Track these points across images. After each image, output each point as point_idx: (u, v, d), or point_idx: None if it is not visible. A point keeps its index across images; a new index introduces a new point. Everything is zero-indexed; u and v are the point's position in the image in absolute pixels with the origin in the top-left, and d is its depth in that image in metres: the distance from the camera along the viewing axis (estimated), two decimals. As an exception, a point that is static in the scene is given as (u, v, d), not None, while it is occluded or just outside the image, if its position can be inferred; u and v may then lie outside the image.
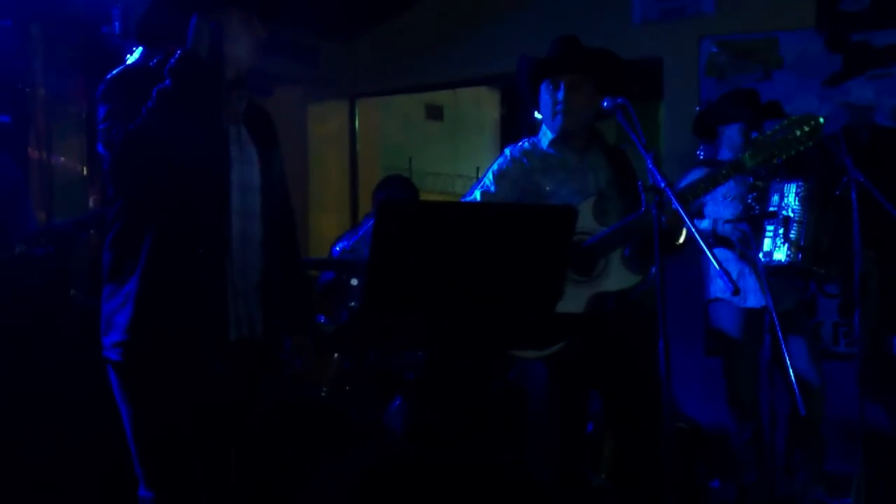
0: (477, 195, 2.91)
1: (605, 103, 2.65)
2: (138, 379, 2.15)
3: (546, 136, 2.94)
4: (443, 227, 1.89)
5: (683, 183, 3.52)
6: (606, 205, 2.82)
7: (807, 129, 2.60)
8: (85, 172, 4.20)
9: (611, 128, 3.63)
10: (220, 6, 2.20)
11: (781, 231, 3.30)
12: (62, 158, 4.12)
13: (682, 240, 2.66)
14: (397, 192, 4.49)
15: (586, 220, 2.76)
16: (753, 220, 3.33)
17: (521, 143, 3.00)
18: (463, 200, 2.99)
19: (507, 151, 2.99)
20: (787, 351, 2.85)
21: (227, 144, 2.22)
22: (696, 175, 3.59)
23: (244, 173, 2.24)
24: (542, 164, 2.91)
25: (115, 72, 2.21)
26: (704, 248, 2.14)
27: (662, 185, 2.28)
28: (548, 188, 2.87)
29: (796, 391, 2.75)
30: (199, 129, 2.13)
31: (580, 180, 2.87)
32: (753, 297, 3.43)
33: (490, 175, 2.94)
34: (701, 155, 3.93)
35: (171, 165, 2.08)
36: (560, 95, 2.81)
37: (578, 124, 2.84)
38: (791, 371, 2.78)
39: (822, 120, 2.63)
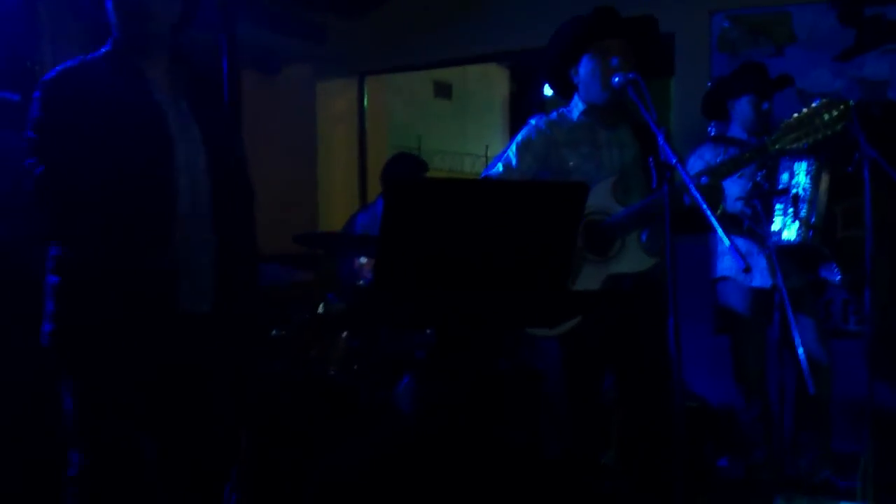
0: (500, 167, 2.87)
1: (616, 78, 2.63)
2: (75, 361, 2.17)
3: (577, 108, 2.89)
4: (452, 205, 1.88)
5: (692, 159, 3.50)
6: (630, 182, 2.79)
7: (835, 113, 2.55)
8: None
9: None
10: None
11: (791, 210, 3.27)
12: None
13: (717, 213, 2.62)
14: (407, 169, 4.48)
15: (605, 200, 2.73)
16: (764, 198, 3.30)
17: (549, 115, 2.94)
18: (485, 172, 2.96)
19: (534, 122, 2.92)
20: (795, 330, 2.83)
21: (166, 125, 2.20)
22: (705, 151, 3.57)
23: (189, 152, 2.23)
24: (569, 136, 2.85)
25: (52, 74, 2.19)
26: (716, 225, 2.13)
27: (673, 161, 2.26)
28: (571, 163, 2.83)
29: (805, 370, 2.74)
30: (132, 117, 2.14)
31: (605, 156, 2.83)
32: (760, 277, 3.41)
33: (514, 146, 2.88)
34: (712, 131, 3.89)
35: (102, 175, 2.10)
36: (615, 62, 2.71)
37: (622, 95, 2.75)
38: (800, 349, 2.77)
39: (851, 104, 2.58)
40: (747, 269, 2.12)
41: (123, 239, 2.12)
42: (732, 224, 3.44)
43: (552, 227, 1.94)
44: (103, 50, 2.24)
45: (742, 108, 3.56)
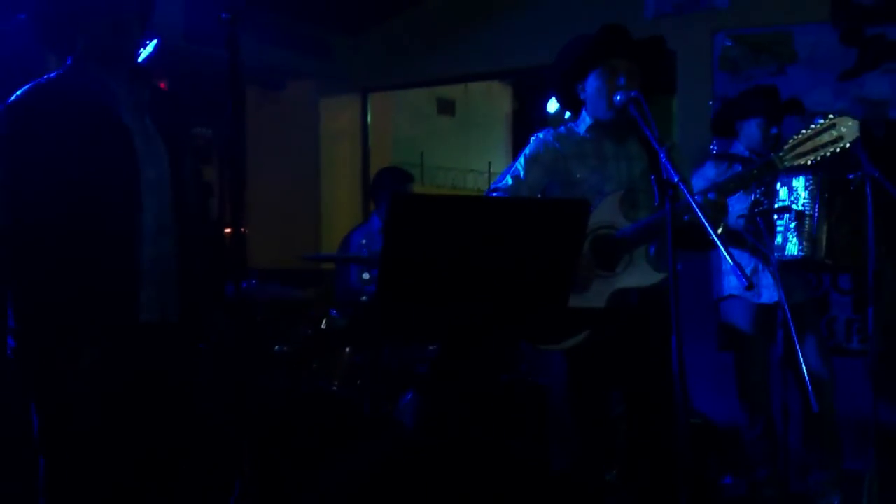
0: (508, 180, 2.88)
1: (619, 96, 2.65)
2: (37, 376, 2.19)
3: (585, 122, 2.91)
4: (455, 220, 1.89)
5: (695, 177, 3.51)
6: (638, 197, 2.80)
7: (843, 129, 2.56)
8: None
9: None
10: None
11: (793, 225, 3.28)
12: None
13: (719, 231, 2.63)
14: (393, 182, 4.50)
15: (612, 214, 2.74)
16: (766, 215, 3.31)
17: (557, 128, 2.96)
18: (494, 185, 2.98)
19: (542, 135, 2.94)
20: (799, 348, 2.83)
21: (132, 143, 2.25)
22: (708, 169, 3.58)
23: (155, 168, 2.27)
24: (577, 150, 2.87)
25: (11, 101, 2.20)
26: (719, 243, 2.13)
27: (676, 179, 2.27)
28: (578, 175, 2.84)
29: (809, 387, 2.74)
30: (99, 135, 2.18)
31: (613, 169, 2.84)
32: (767, 293, 3.42)
33: (522, 159, 2.90)
34: (714, 149, 3.91)
35: (68, 193, 2.12)
36: (622, 81, 2.74)
37: (627, 113, 2.77)
38: (804, 368, 2.77)
39: (857, 122, 2.59)
40: (749, 287, 2.12)
41: (87, 255, 2.15)
42: (736, 241, 3.45)
43: (554, 243, 1.95)
44: (65, 67, 2.27)
45: (750, 130, 3.57)
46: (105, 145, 2.20)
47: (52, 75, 2.25)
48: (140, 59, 3.42)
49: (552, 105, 6.43)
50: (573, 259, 2.06)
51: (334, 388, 3.86)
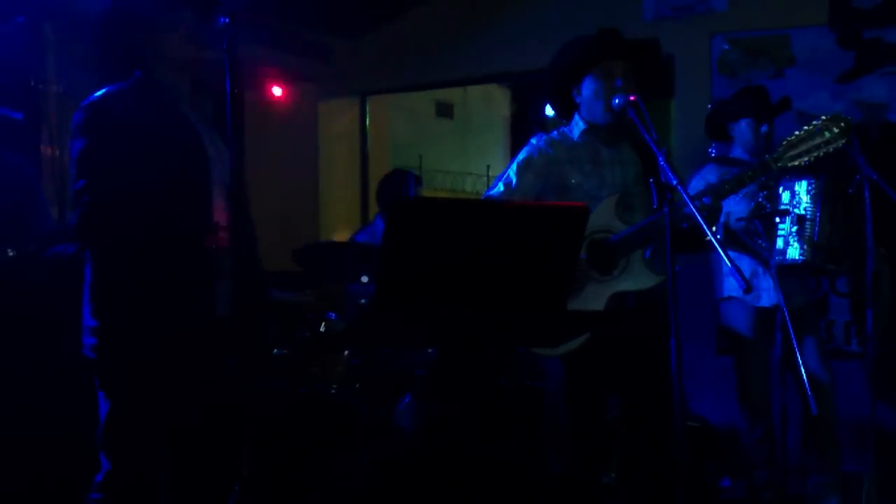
0: (500, 187, 2.88)
1: (617, 100, 2.65)
2: (120, 373, 2.25)
3: (578, 127, 2.90)
4: (454, 224, 1.89)
5: (695, 180, 3.52)
6: (633, 201, 2.80)
7: (836, 130, 2.56)
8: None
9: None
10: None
11: (794, 229, 3.28)
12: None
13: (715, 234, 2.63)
14: (402, 185, 4.51)
15: (608, 218, 2.74)
16: (766, 218, 3.31)
17: (550, 133, 2.96)
18: (487, 192, 2.98)
19: (535, 141, 2.94)
20: (798, 351, 2.83)
21: (203, 143, 2.36)
22: (708, 173, 3.58)
23: (220, 170, 2.39)
24: (570, 154, 2.87)
25: (92, 99, 2.29)
26: (717, 246, 2.14)
27: (674, 182, 2.27)
28: (573, 180, 2.84)
29: (808, 391, 2.74)
30: (173, 135, 2.29)
31: (607, 174, 2.84)
32: (766, 297, 3.42)
33: (514, 166, 2.90)
34: (713, 152, 3.92)
35: (145, 189, 2.20)
36: (618, 83, 2.75)
37: (624, 116, 2.77)
38: (803, 370, 2.77)
39: (851, 121, 2.60)
40: (748, 290, 2.13)
41: (166, 251, 2.22)
42: (736, 243, 3.45)
43: (552, 248, 1.95)
44: (134, 78, 2.36)
45: (741, 131, 3.58)
46: (180, 145, 2.30)
47: (123, 84, 2.34)
48: (104, 93, 3.39)
49: (550, 108, 6.43)
50: (571, 264, 2.06)
51: (332, 391, 3.86)
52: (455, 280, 1.91)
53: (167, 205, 2.23)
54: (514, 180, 2.86)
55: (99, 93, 2.31)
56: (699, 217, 2.22)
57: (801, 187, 3.31)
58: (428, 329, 2.06)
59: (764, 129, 3.52)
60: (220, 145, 2.44)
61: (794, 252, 3.29)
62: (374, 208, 6.02)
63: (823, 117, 2.62)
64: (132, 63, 2.37)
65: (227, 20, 2.17)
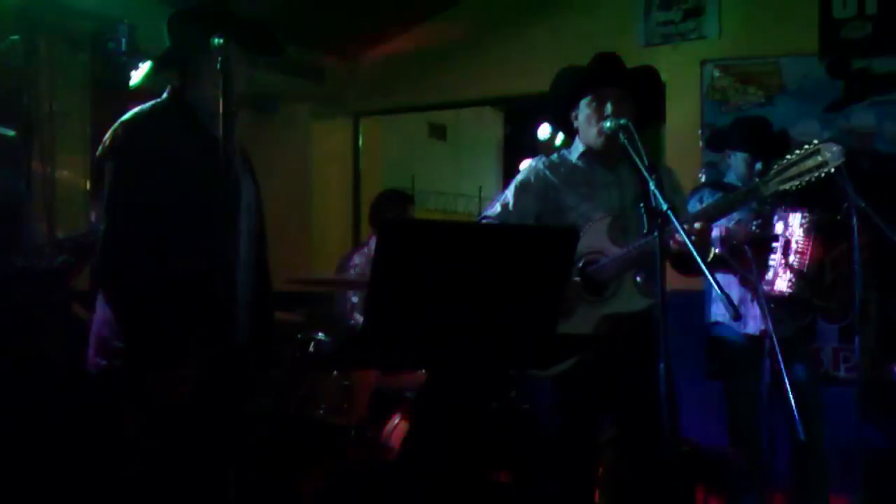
0: (498, 208, 2.90)
1: (608, 123, 2.67)
2: (146, 396, 2.24)
3: (577, 150, 2.93)
4: (445, 246, 1.89)
5: (690, 203, 3.53)
6: (629, 223, 2.80)
7: (827, 155, 2.57)
8: (87, 187, 4.22)
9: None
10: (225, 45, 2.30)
11: (784, 260, 3.28)
12: (66, 172, 4.14)
13: (708, 258, 2.63)
14: (393, 205, 4.51)
15: (601, 240, 2.75)
16: (757, 243, 3.32)
17: (550, 156, 2.98)
18: (484, 212, 2.99)
19: (533, 163, 2.96)
20: (786, 377, 2.84)
21: (235, 171, 2.35)
22: (702, 196, 3.59)
23: (247, 196, 2.42)
24: (567, 177, 2.89)
25: (127, 119, 2.30)
26: (707, 273, 2.14)
27: (665, 208, 2.28)
28: (569, 203, 2.85)
29: (796, 416, 2.74)
30: (204, 159, 2.26)
31: (604, 196, 2.85)
32: (754, 324, 3.42)
33: (513, 187, 2.92)
34: (703, 177, 3.94)
35: (173, 212, 2.21)
36: (609, 110, 2.77)
37: (616, 140, 2.78)
38: (791, 397, 2.77)
39: (841, 148, 2.60)
40: (736, 317, 2.13)
41: (192, 276, 2.22)
42: (725, 266, 3.46)
43: (542, 271, 1.96)
44: (164, 97, 2.38)
45: (737, 162, 3.60)
46: (211, 170, 2.24)
47: (156, 102, 2.35)
48: (137, 82, 3.52)
49: (543, 131, 6.47)
50: (562, 286, 2.06)
51: (321, 411, 3.85)
52: (446, 302, 1.91)
53: (193, 236, 2.22)
54: (512, 201, 2.89)
55: (132, 112, 2.31)
56: (689, 242, 2.22)
57: (795, 219, 3.32)
58: (418, 351, 2.05)
59: (758, 166, 3.51)
60: (246, 169, 2.45)
61: (782, 284, 3.29)
62: (366, 227, 6.02)
63: (815, 142, 2.63)
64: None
65: (220, 40, 2.18)
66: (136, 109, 2.32)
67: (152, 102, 2.35)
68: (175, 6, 2.44)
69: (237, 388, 2.35)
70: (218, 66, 2.13)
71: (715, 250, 3.37)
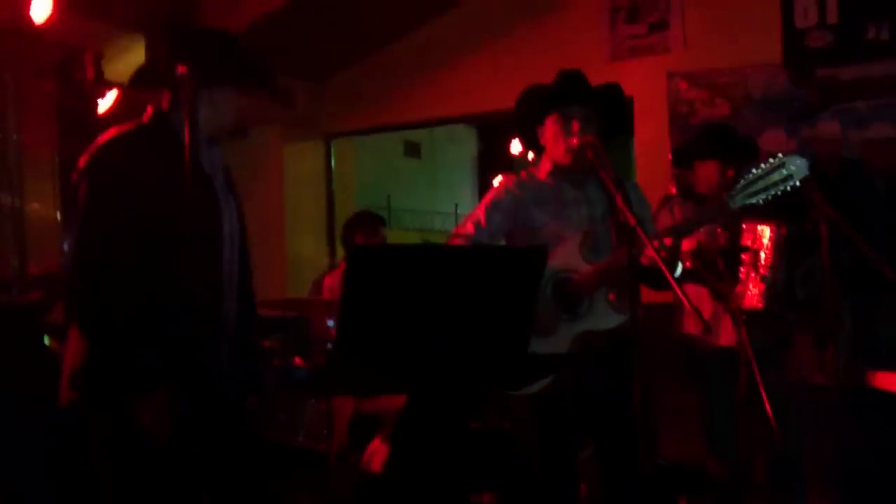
0: (469, 228, 2.90)
1: (574, 141, 2.69)
2: (121, 424, 2.18)
3: (545, 167, 2.94)
4: (413, 270, 1.89)
5: (662, 216, 3.54)
6: (599, 239, 2.81)
7: (792, 168, 2.59)
8: (58, 218, 4.17)
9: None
10: (218, 81, 2.30)
11: (754, 274, 3.29)
12: (35, 204, 4.10)
13: (677, 273, 2.64)
14: (363, 226, 4.50)
15: (571, 257, 2.75)
16: (726, 256, 3.34)
17: (519, 174, 2.98)
18: (456, 232, 2.98)
19: (504, 181, 2.97)
20: (763, 387, 2.84)
21: (217, 197, 2.33)
22: (674, 207, 3.61)
23: (230, 222, 2.37)
24: (536, 195, 2.89)
25: (103, 141, 2.23)
26: (677, 289, 2.15)
27: (633, 223, 2.29)
28: (538, 221, 2.85)
29: (773, 426, 2.75)
30: (186, 188, 2.17)
31: (573, 213, 2.86)
32: (726, 336, 3.43)
33: (483, 206, 2.92)
34: (673, 190, 3.95)
35: (152, 241, 2.15)
36: (575, 128, 2.79)
37: (584, 157, 2.76)
38: (768, 407, 2.78)
39: (806, 161, 2.62)
40: (706, 331, 2.14)
41: (170, 302, 2.15)
42: (695, 279, 3.47)
43: (511, 291, 1.96)
44: (155, 114, 2.32)
45: (708, 171, 3.61)
46: (193, 195, 2.18)
47: (134, 127, 2.27)
48: (103, 110, 3.47)
49: (516, 147, 6.50)
50: (531, 305, 2.06)
51: (301, 437, 3.82)
52: (417, 325, 1.91)
53: (172, 261, 2.15)
54: (484, 221, 2.89)
55: (109, 135, 2.24)
56: (658, 259, 2.23)
57: (765, 233, 3.34)
58: (391, 376, 2.04)
59: (730, 172, 3.53)
60: (229, 194, 2.41)
61: (752, 298, 3.30)
62: (341, 250, 6.02)
63: (780, 155, 2.65)
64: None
65: (184, 71, 2.17)
66: (113, 132, 2.25)
67: (131, 125, 2.28)
68: (142, 33, 2.43)
69: (219, 417, 2.31)
70: (182, 95, 2.13)
71: (683, 265, 3.40)
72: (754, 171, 2.66)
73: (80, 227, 2.18)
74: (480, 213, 2.91)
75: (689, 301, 2.09)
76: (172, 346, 2.15)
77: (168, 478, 2.21)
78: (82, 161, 2.22)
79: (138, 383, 2.15)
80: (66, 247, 4.17)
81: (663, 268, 2.20)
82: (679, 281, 2.21)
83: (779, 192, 2.63)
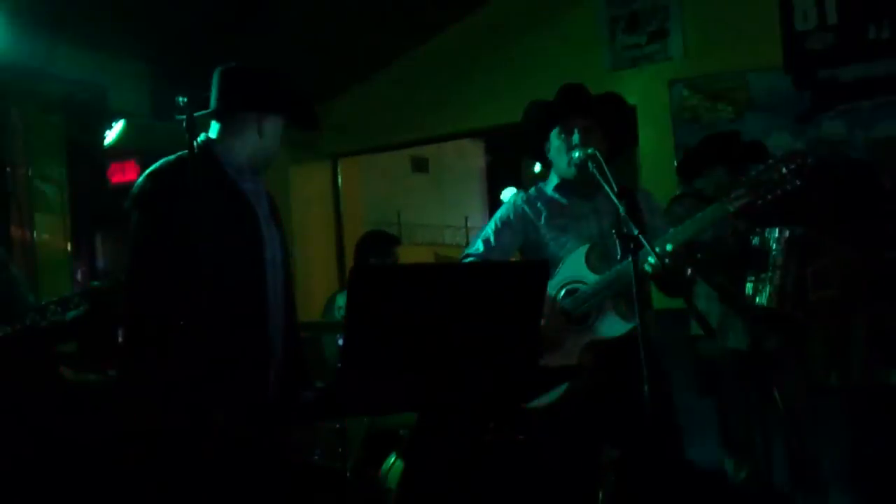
0: (480, 246, 2.93)
1: (575, 154, 2.70)
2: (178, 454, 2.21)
3: (552, 181, 2.96)
4: (417, 289, 1.90)
5: (672, 212, 3.53)
6: (609, 249, 2.82)
7: (793, 166, 2.57)
8: (69, 249, 4.21)
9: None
10: (266, 110, 2.43)
11: (763, 275, 3.28)
12: (45, 236, 4.14)
13: (685, 278, 2.64)
14: (377, 247, 4.51)
15: (579, 268, 2.77)
16: (736, 258, 3.32)
17: (528, 190, 3.00)
18: (466, 250, 3.01)
19: (512, 198, 3.00)
20: (776, 389, 2.84)
21: (259, 226, 2.39)
22: (684, 203, 3.60)
23: (273, 249, 2.42)
24: (545, 210, 2.91)
25: (153, 169, 2.31)
26: (683, 297, 2.15)
27: (636, 233, 2.30)
28: (547, 235, 2.87)
29: (789, 427, 2.74)
30: (231, 214, 2.31)
31: (582, 226, 2.87)
32: (735, 338, 3.41)
33: (493, 224, 2.96)
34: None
35: (205, 272, 2.14)
36: (576, 141, 2.81)
37: (587, 169, 2.77)
38: (781, 408, 2.77)
39: (808, 158, 2.60)
40: (710, 335, 2.14)
41: (223, 331, 2.17)
42: (705, 281, 3.46)
43: (516, 305, 1.96)
44: (203, 142, 2.40)
45: (719, 175, 3.60)
46: (238, 223, 2.31)
47: (182, 154, 2.32)
48: (111, 141, 3.52)
49: (537, 165, 6.50)
50: (537, 318, 2.07)
51: (316, 457, 3.82)
52: (423, 344, 1.91)
53: (222, 283, 2.19)
54: (493, 238, 2.92)
55: (158, 163, 2.32)
56: (662, 266, 2.24)
57: (772, 235, 3.33)
58: (397, 394, 2.05)
59: (741, 174, 3.51)
60: (273, 222, 2.46)
61: (762, 298, 3.29)
62: (350, 268, 6.02)
63: (777, 156, 2.64)
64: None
65: (185, 100, 2.20)
66: (162, 160, 2.34)
67: (178, 154, 2.34)
68: (147, 66, 2.48)
69: (269, 442, 2.35)
70: (184, 125, 2.17)
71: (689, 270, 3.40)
72: (753, 172, 2.66)
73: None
74: (490, 232, 2.94)
75: (693, 307, 2.09)
76: (222, 370, 2.16)
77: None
78: (134, 190, 2.31)
79: (195, 407, 2.16)
80: (78, 277, 4.21)
81: (667, 277, 2.20)
82: (688, 284, 2.21)
83: (779, 193, 2.62)
